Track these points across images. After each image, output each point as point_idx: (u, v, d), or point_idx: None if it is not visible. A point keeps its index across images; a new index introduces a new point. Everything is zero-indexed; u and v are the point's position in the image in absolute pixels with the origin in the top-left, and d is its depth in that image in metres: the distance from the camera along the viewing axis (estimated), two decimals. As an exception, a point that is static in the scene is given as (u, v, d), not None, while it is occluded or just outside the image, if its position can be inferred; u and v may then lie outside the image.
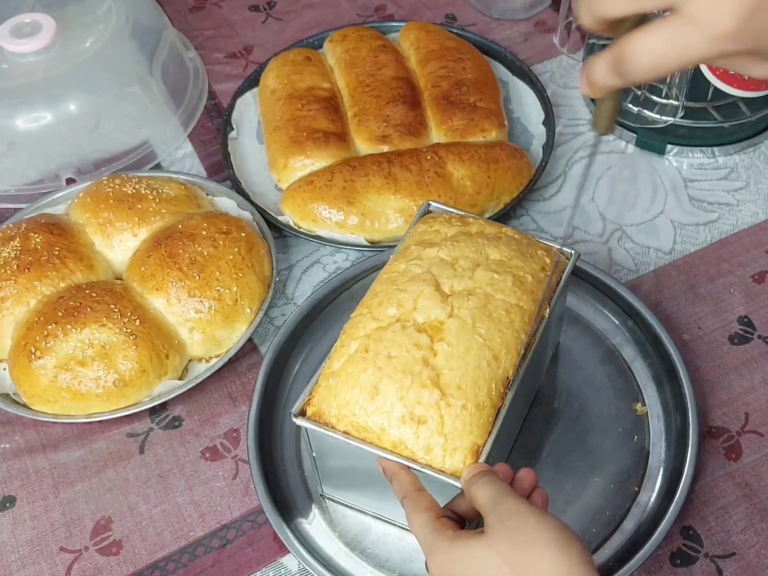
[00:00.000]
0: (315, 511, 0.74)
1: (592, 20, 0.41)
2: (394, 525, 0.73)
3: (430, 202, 0.77)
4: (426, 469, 0.60)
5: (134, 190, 0.87)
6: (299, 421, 0.64)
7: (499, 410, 0.63)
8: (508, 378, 0.64)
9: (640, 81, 0.42)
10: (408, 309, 0.65)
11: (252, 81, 1.05)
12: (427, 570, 0.55)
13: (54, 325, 0.77)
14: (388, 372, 0.62)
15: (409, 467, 0.61)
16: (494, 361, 0.63)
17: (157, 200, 0.87)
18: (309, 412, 0.64)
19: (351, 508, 0.74)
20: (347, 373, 0.63)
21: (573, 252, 0.72)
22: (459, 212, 0.75)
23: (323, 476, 0.73)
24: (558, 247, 0.72)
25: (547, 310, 0.68)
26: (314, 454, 0.69)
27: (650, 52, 0.39)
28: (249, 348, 0.85)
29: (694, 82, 0.95)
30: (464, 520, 0.59)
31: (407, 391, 0.61)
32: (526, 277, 0.68)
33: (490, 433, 0.62)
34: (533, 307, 0.67)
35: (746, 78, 0.92)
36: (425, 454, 0.61)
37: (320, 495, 0.75)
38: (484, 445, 0.61)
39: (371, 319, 0.65)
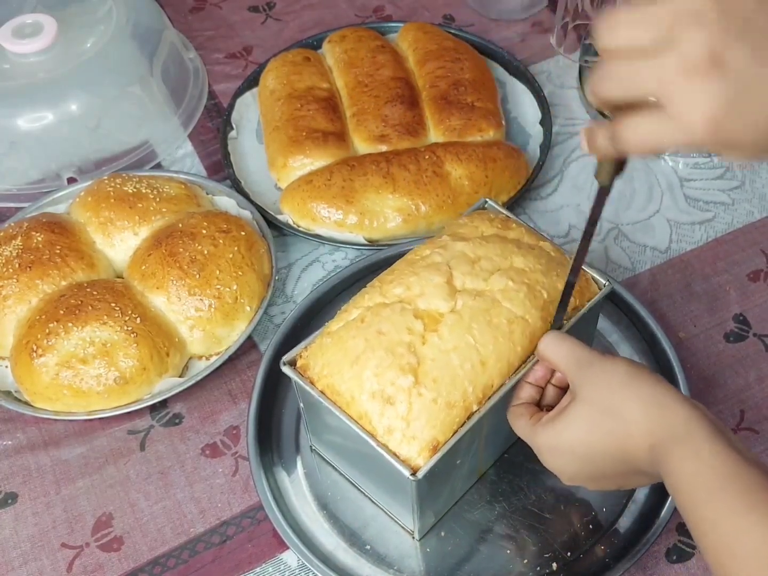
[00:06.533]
0: (314, 507, 0.74)
1: (596, 101, 0.49)
2: (362, 492, 0.74)
3: (486, 200, 0.77)
4: (381, 448, 0.61)
5: (135, 190, 0.88)
6: (285, 369, 0.66)
7: (472, 414, 0.63)
8: (492, 385, 0.64)
9: (631, 154, 0.50)
10: (414, 293, 0.66)
11: (252, 81, 1.06)
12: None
13: (55, 323, 0.77)
14: (373, 346, 0.63)
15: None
16: (480, 365, 0.63)
17: (158, 199, 0.88)
18: (298, 363, 0.67)
19: (333, 467, 0.76)
20: (339, 337, 0.65)
21: (606, 283, 0.70)
22: (508, 215, 0.75)
23: (311, 429, 0.74)
24: (593, 274, 0.71)
25: None
26: (301, 405, 0.71)
27: (637, 134, 0.47)
28: (249, 346, 0.86)
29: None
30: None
31: (384, 370, 0.62)
32: (542, 293, 0.67)
33: (455, 432, 0.62)
34: (540, 324, 0.66)
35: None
36: (385, 434, 0.62)
37: (310, 447, 0.77)
38: (445, 443, 0.61)
39: (379, 293, 0.67)
